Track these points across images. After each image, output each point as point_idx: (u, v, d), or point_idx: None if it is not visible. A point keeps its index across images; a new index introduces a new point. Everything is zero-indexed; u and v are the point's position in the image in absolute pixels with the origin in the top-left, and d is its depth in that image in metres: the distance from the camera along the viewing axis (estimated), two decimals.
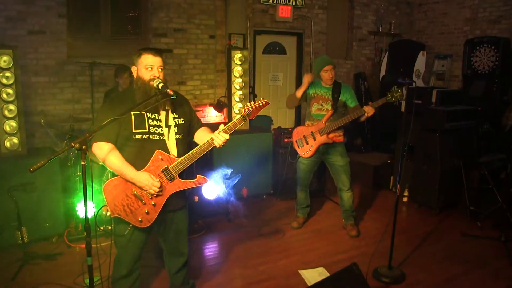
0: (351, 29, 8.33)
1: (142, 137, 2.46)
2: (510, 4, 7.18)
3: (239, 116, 2.55)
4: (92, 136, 2.25)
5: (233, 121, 2.54)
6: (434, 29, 8.48)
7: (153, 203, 2.50)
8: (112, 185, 2.47)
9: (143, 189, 2.45)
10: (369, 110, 3.83)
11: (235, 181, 4.31)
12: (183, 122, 2.63)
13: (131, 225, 2.51)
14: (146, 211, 2.49)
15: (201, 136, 2.72)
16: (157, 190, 2.44)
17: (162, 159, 2.47)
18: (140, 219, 2.49)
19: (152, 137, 2.48)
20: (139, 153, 2.46)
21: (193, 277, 3.19)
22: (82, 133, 3.95)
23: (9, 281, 3.29)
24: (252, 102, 2.58)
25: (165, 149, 2.51)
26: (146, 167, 2.45)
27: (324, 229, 4.44)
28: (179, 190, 2.55)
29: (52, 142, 4.66)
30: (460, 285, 3.37)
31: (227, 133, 2.51)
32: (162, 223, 2.68)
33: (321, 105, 4.10)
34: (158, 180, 2.45)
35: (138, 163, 2.45)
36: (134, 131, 2.45)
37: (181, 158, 2.49)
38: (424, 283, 3.37)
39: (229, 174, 4.09)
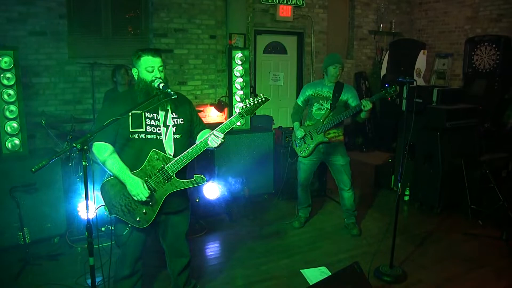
0: (352, 28, 8.32)
1: (139, 136, 2.47)
2: (511, 2, 7.17)
3: (237, 114, 2.48)
4: (93, 137, 2.27)
5: (229, 119, 2.47)
6: (434, 28, 8.46)
7: (150, 203, 2.50)
8: (109, 184, 2.48)
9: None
10: (366, 103, 3.75)
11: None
12: (183, 122, 2.61)
13: (130, 225, 2.52)
14: (144, 211, 2.50)
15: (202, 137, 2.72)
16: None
17: (158, 159, 2.47)
18: (138, 219, 2.50)
19: (148, 136, 2.48)
20: (136, 153, 2.47)
21: (195, 277, 3.19)
22: (83, 134, 3.95)
23: (11, 282, 3.29)
24: (251, 99, 2.47)
25: (162, 148, 2.49)
26: (142, 167, 2.46)
27: (325, 229, 4.44)
28: (177, 190, 2.53)
29: (53, 143, 4.67)
30: (462, 284, 3.37)
31: (222, 133, 2.43)
32: (162, 224, 2.68)
33: (321, 105, 4.09)
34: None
35: (136, 162, 2.45)
36: (131, 130, 2.45)
37: (178, 157, 2.47)
38: (425, 282, 3.37)
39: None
